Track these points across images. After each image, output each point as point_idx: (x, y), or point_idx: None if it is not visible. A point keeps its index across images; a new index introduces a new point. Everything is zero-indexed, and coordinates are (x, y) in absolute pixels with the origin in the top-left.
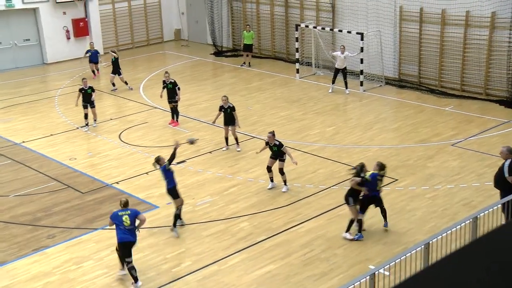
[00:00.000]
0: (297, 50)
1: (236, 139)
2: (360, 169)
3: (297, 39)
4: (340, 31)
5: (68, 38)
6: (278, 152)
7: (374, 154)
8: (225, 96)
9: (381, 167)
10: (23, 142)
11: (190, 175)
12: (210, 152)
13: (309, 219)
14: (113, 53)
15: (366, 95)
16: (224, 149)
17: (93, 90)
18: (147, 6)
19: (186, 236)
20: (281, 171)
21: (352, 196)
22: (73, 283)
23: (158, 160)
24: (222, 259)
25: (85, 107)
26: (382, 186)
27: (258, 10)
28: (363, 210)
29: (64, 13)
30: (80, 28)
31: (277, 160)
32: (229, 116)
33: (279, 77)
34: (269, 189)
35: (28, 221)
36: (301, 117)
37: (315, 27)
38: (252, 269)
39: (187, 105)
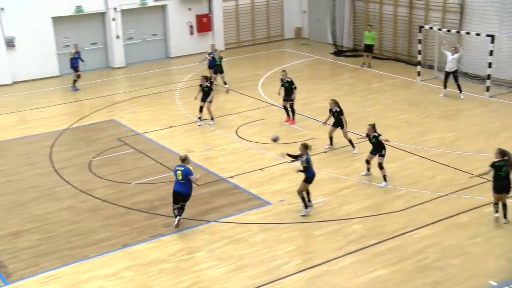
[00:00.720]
0: (419, 52)
1: (350, 141)
2: None
3: (420, 41)
4: (468, 33)
5: (191, 33)
6: (377, 144)
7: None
8: (332, 99)
9: None
10: (145, 132)
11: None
12: (325, 152)
13: (424, 226)
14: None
15: (492, 101)
16: (326, 147)
17: (211, 89)
18: (269, 3)
19: (297, 235)
20: (380, 166)
21: None
22: (185, 272)
23: (307, 147)
24: (333, 259)
25: (202, 100)
26: None
27: (381, 10)
28: None
29: (189, 9)
30: (203, 24)
31: (377, 156)
32: (336, 119)
33: (399, 79)
34: (363, 175)
35: (147, 208)
36: (421, 121)
37: (440, 29)
38: (363, 272)
39: (304, 104)
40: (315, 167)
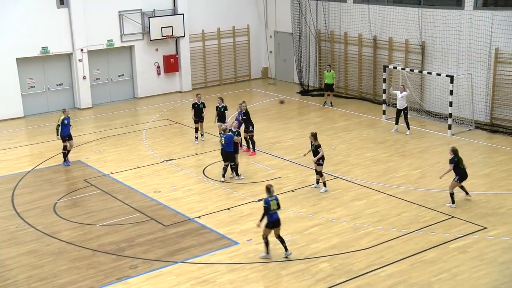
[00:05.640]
0: (384, 91)
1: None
2: None
3: (384, 80)
4: (429, 73)
5: (159, 73)
6: (315, 153)
7: (461, 200)
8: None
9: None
10: (111, 173)
11: None
12: (292, 191)
13: (391, 263)
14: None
15: (454, 139)
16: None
17: (204, 106)
18: (236, 44)
19: (265, 274)
20: (320, 173)
21: None
22: None
23: (268, 190)
24: None
25: (196, 121)
26: None
27: (346, 50)
28: None
29: (157, 50)
30: (171, 64)
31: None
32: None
33: (365, 118)
34: (312, 187)
35: (113, 250)
36: (386, 159)
37: (403, 69)
38: None
39: (272, 143)
40: (283, 206)
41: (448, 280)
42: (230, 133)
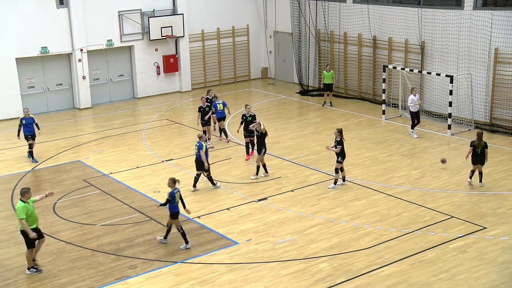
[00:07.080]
0: (384, 91)
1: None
2: None
3: (384, 80)
4: (429, 73)
5: (158, 74)
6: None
7: (460, 200)
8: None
9: None
10: (111, 173)
11: (271, 213)
12: (292, 191)
13: (391, 263)
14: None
15: (454, 139)
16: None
17: (210, 109)
18: (236, 44)
19: (264, 274)
20: (336, 170)
21: None
22: None
23: (174, 182)
24: None
25: (203, 125)
26: None
27: (346, 50)
28: None
29: (156, 50)
30: (170, 64)
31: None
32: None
33: (364, 118)
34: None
35: (112, 250)
36: (386, 159)
37: (403, 69)
38: None
39: (272, 143)
40: (283, 206)
41: (447, 280)
42: (255, 132)
